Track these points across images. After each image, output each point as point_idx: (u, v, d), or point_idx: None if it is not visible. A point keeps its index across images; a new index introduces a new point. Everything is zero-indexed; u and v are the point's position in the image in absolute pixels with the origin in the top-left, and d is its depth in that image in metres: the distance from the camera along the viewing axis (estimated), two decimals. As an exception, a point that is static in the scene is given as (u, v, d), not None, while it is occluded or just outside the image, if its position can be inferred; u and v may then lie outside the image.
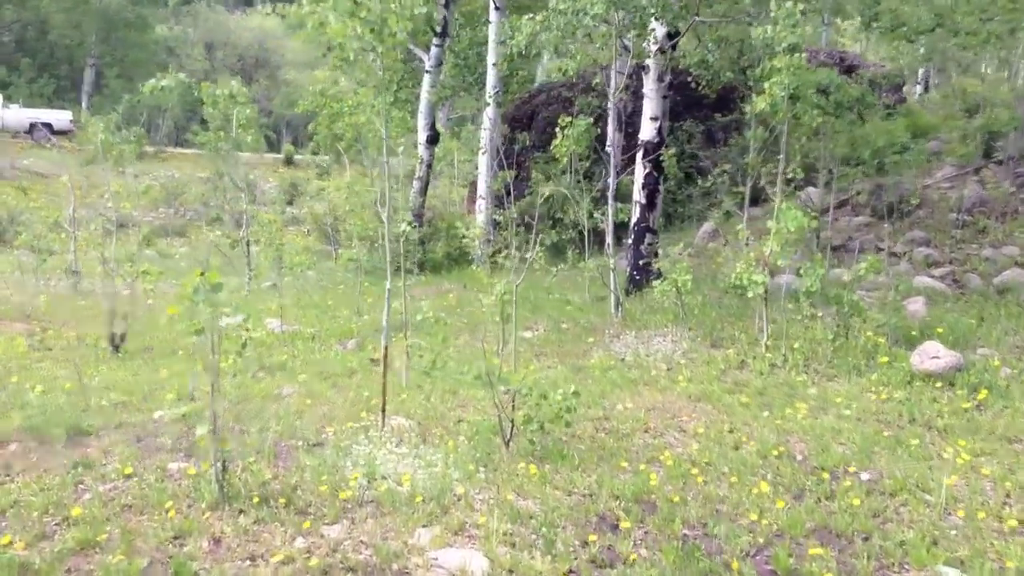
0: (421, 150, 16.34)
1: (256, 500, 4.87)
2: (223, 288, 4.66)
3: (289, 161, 38.26)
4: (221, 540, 4.50)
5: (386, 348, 6.27)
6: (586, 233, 11.55)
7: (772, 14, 8.21)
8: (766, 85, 8.48)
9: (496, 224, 14.73)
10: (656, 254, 11.47)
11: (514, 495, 5.23)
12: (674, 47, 11.16)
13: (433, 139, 16.54)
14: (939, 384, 7.52)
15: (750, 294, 8.58)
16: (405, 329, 8.16)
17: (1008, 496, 5.32)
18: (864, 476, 5.63)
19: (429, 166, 16.78)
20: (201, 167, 33.13)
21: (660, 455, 6.05)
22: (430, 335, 9.83)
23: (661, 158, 11.16)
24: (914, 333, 8.83)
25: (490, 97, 14.82)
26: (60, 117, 34.57)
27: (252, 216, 11.33)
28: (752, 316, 9.72)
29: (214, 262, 11.73)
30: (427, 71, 16.11)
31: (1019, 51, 14.12)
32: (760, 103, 8.46)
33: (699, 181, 14.03)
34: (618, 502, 5.19)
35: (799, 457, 6.06)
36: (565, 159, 10.42)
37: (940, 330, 8.86)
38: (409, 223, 8.33)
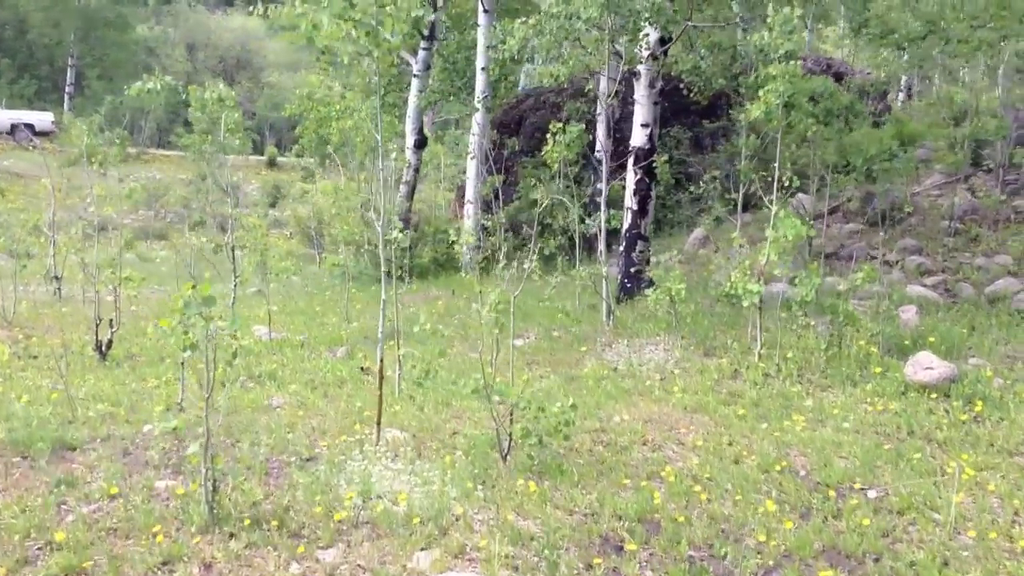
0: (409, 154, 16.19)
1: (248, 522, 4.71)
2: (215, 302, 4.50)
3: (272, 163, 38.03)
4: (212, 566, 4.34)
5: (381, 361, 6.11)
6: (577, 240, 11.43)
7: (768, 20, 8.11)
8: (760, 92, 8.39)
9: (484, 229, 14.59)
10: (648, 261, 11.36)
11: (514, 515, 5.09)
12: (665, 53, 11.07)
13: (421, 143, 16.40)
14: (934, 395, 7.46)
15: (745, 303, 8.50)
16: (397, 338, 8.00)
17: (1017, 514, 5.24)
18: (871, 494, 5.53)
19: (416, 170, 16.63)
20: (184, 169, 32.89)
21: (660, 470, 5.94)
22: (420, 343, 9.73)
23: (654, 165, 11.06)
24: (907, 343, 8.77)
25: (479, 102, 14.67)
26: (42, 118, 34.23)
27: (237, 220, 11.13)
28: (744, 325, 9.63)
29: (198, 268, 11.51)
30: (415, 75, 15.97)
31: (1004, 58, 14.10)
32: (755, 110, 8.37)
33: (689, 188, 13.96)
34: (621, 522, 5.08)
35: (802, 472, 5.96)
36: (556, 165, 10.29)
37: (932, 340, 8.81)
38: (400, 230, 8.17)
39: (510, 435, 5.95)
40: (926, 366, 7.71)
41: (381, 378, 6.09)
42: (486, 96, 14.78)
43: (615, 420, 7.02)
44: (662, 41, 10.92)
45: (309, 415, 7.10)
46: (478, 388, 5.91)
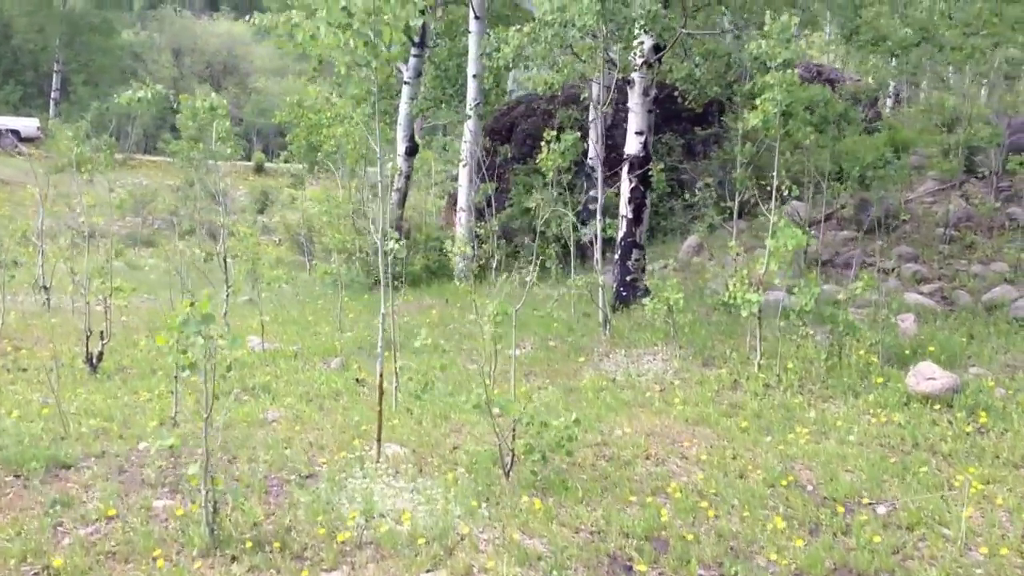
0: (400, 161, 16.08)
1: (249, 545, 4.60)
2: (214, 319, 4.39)
3: (260, 169, 37.87)
4: (215, 590, 4.24)
5: (381, 376, 6.01)
6: (572, 248, 11.36)
7: (766, 28, 8.06)
8: (758, 101, 8.34)
9: (476, 237, 14.50)
10: (643, 270, 11.30)
11: (520, 533, 5.00)
12: (659, 60, 11.01)
13: (412, 150, 16.29)
14: (937, 406, 7.41)
15: (744, 313, 8.44)
16: (394, 350, 7.90)
17: (1028, 529, 5.18)
18: (880, 509, 5.46)
19: (408, 177, 16.52)
20: (171, 175, 32.70)
21: (665, 485, 5.86)
22: (416, 354, 9.62)
23: (649, 173, 11.00)
24: (907, 352, 8.73)
25: (471, 109, 14.59)
26: (27, 124, 33.99)
27: (229, 230, 11.01)
28: (742, 334, 9.58)
29: (189, 277, 11.37)
30: (405, 82, 15.87)
31: (996, 65, 14.13)
32: (753, 119, 8.31)
33: (685, 195, 13.92)
34: (629, 540, 4.99)
35: (808, 487, 5.90)
36: (551, 173, 10.22)
37: (932, 349, 8.77)
38: (396, 240, 8.06)
39: (512, 451, 5.86)
40: (928, 376, 7.67)
41: (381, 394, 5.99)
42: (478, 103, 14.70)
43: (617, 433, 6.94)
44: (656, 49, 10.86)
45: (306, 429, 6.99)
46: (480, 403, 5.82)
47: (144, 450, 6.18)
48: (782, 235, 7.71)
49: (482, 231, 13.75)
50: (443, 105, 15.62)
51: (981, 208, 12.26)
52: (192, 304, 4.34)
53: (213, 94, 9.26)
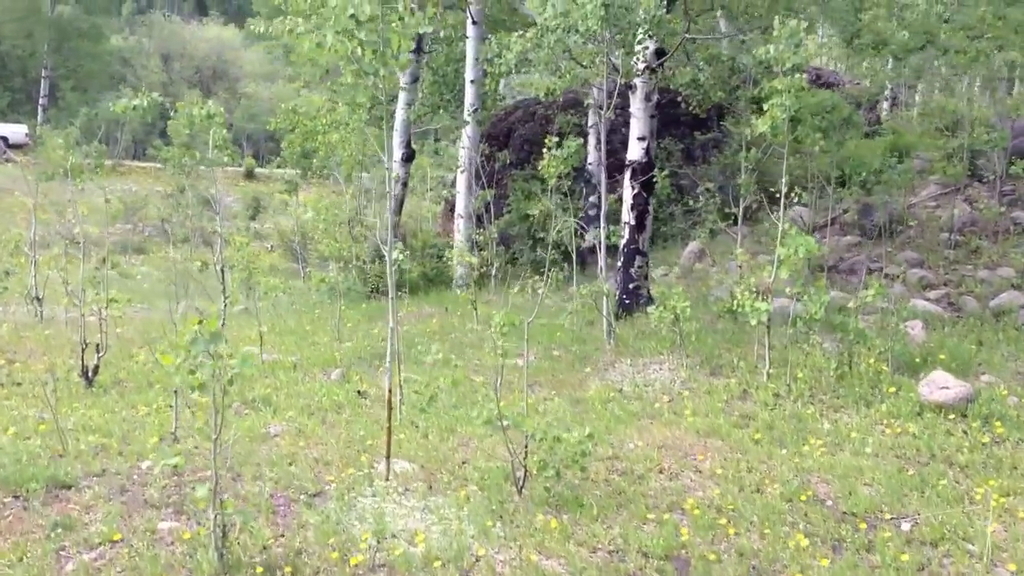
0: (396, 168, 15.91)
1: (260, 570, 4.45)
2: (223, 338, 4.24)
3: (250, 175, 37.62)
4: (227, 619, 4.08)
5: (390, 391, 5.86)
6: (573, 254, 11.23)
7: (775, 33, 7.95)
8: (766, 106, 8.22)
9: (474, 243, 14.36)
10: (647, 277, 11.17)
11: (537, 554, 4.87)
12: (661, 65, 10.90)
13: (409, 157, 16.13)
14: (951, 416, 7.31)
15: (753, 322, 8.32)
16: (398, 362, 7.75)
17: (1055, 545, 5.07)
18: (905, 526, 5.34)
19: (404, 184, 16.36)
20: (161, 181, 32.38)
21: (681, 501, 5.73)
22: (418, 364, 9.48)
23: (654, 179, 10.87)
24: (917, 360, 8.63)
25: (469, 115, 14.44)
26: (16, 131, 33.72)
27: (226, 239, 10.85)
28: (749, 342, 9.46)
29: (183, 286, 11.19)
30: (402, 88, 15.71)
31: (995, 67, 14.09)
32: (762, 125, 8.19)
33: (689, 201, 13.81)
34: (648, 560, 4.86)
35: (827, 502, 5.77)
36: (553, 180, 10.08)
37: (942, 357, 8.67)
38: (401, 251, 7.93)
39: (525, 467, 5.72)
40: (941, 385, 7.57)
41: (390, 409, 5.84)
42: (476, 109, 14.56)
43: (628, 447, 6.81)
44: (658, 54, 10.75)
45: (310, 445, 6.83)
46: (491, 419, 5.68)
47: (146, 469, 6.01)
48: (792, 242, 7.58)
49: (481, 238, 13.62)
50: (441, 111, 15.46)
51: (986, 213, 12.18)
52: (200, 321, 4.18)
53: (210, 102, 9.10)
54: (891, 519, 5.47)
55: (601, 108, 10.78)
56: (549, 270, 7.27)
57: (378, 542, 4.86)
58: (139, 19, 62.80)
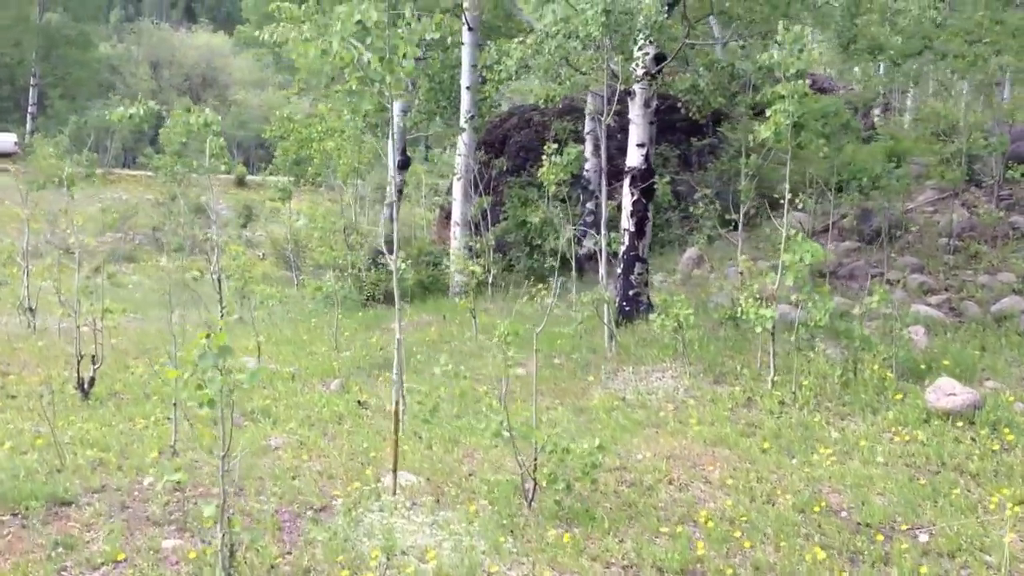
0: (392, 175, 15.82)
1: (270, 589, 4.35)
2: (232, 352, 4.14)
3: (241, 182, 37.45)
4: (237, 642, 3.98)
5: (397, 404, 5.76)
6: (573, 262, 11.16)
7: (779, 38, 7.89)
8: (768, 112, 8.17)
9: (470, 250, 14.26)
10: (647, 283, 11.09)
11: (550, 570, 4.77)
12: (660, 71, 10.84)
13: (404, 164, 16.04)
14: (959, 423, 7.23)
15: (758, 329, 8.25)
16: (401, 371, 7.64)
17: (1073, 555, 5.00)
18: (923, 537, 5.26)
19: (400, 191, 16.26)
20: (151, 189, 32.21)
21: (692, 512, 5.65)
22: (417, 373, 9.39)
23: (654, 185, 10.80)
24: (922, 367, 8.56)
25: (465, 121, 14.35)
26: (4, 139, 33.47)
27: (223, 248, 10.75)
28: (752, 349, 9.38)
29: (178, 295, 11.06)
30: (399, 94, 15.60)
31: (991, 72, 14.09)
32: (765, 131, 8.13)
33: (681, 206, 13.76)
34: (663, 575, 4.76)
35: (841, 512, 5.70)
36: (553, 187, 10.01)
37: (947, 363, 8.61)
38: (403, 259, 7.83)
39: (534, 480, 5.63)
40: (948, 392, 7.49)
41: (397, 422, 5.74)
42: (472, 115, 14.47)
43: (637, 457, 6.72)
44: (657, 59, 10.69)
45: (312, 457, 6.73)
46: (499, 431, 5.59)
47: (148, 485, 5.90)
48: (799, 249, 7.51)
49: (477, 245, 13.53)
50: (437, 117, 15.37)
51: (985, 218, 12.15)
52: (208, 335, 4.08)
53: (207, 110, 9.01)
54: (907, 530, 5.39)
55: (600, 114, 10.72)
56: (556, 278, 7.17)
57: (388, 559, 4.76)
58: (127, 26, 62.62)
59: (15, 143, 33.24)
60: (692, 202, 13.52)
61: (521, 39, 9.60)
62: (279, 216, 24.26)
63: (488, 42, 14.12)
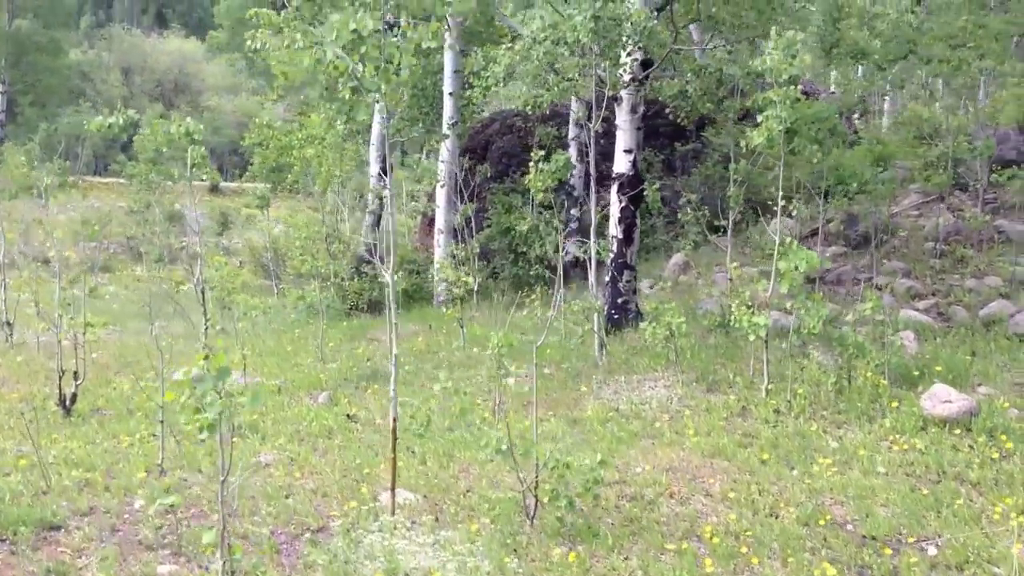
0: (373, 183, 15.67)
1: (272, 617, 4.21)
2: (230, 374, 4.00)
3: (215, 189, 37.04)
4: (241, 674, 3.84)
5: (395, 420, 5.63)
6: (559, 269, 11.06)
7: (770, 43, 7.84)
8: (760, 118, 8.11)
9: (453, 258, 14.13)
10: (635, 291, 11.02)
11: (557, 590, 4.66)
12: (647, 77, 10.78)
13: (389, 171, 15.83)
14: (956, 431, 7.21)
15: (751, 337, 8.18)
16: (394, 384, 7.50)
17: (1083, 567, 4.95)
18: (932, 550, 5.21)
19: (383, 199, 16.09)
20: (124, 197, 31.76)
21: (696, 528, 5.57)
22: (406, 384, 9.25)
23: (644, 191, 10.73)
24: (915, 373, 8.53)
25: (448, 128, 14.23)
26: (-27, 148, 32.88)
27: (204, 259, 10.52)
28: (744, 357, 9.33)
29: (158, 306, 10.86)
30: (378, 100, 15.44)
31: (973, 75, 14.17)
32: (757, 137, 8.08)
33: (678, 214, 13.70)
34: (673, 594, 4.68)
35: (846, 525, 5.63)
36: (541, 194, 9.90)
37: (939, 369, 8.60)
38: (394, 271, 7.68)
39: (536, 497, 5.52)
40: (944, 399, 7.47)
41: (395, 439, 5.61)
42: (455, 122, 14.34)
43: (636, 470, 6.63)
44: (644, 65, 10.63)
45: (305, 475, 6.59)
46: (500, 448, 5.48)
47: (138, 507, 5.73)
48: (794, 256, 7.46)
49: (462, 253, 13.40)
50: (419, 124, 15.23)
51: (971, 222, 12.19)
52: (206, 356, 3.94)
53: (188, 119, 8.81)
54: (914, 542, 5.33)
55: (584, 120, 10.63)
56: (556, 289, 7.06)
57: (391, 582, 4.64)
58: (98, 32, 61.87)
59: (-15, 151, 32.67)
60: (677, 207, 13.47)
61: (508, 45, 9.50)
62: (256, 223, 24.03)
63: (474, 48, 14.00)
